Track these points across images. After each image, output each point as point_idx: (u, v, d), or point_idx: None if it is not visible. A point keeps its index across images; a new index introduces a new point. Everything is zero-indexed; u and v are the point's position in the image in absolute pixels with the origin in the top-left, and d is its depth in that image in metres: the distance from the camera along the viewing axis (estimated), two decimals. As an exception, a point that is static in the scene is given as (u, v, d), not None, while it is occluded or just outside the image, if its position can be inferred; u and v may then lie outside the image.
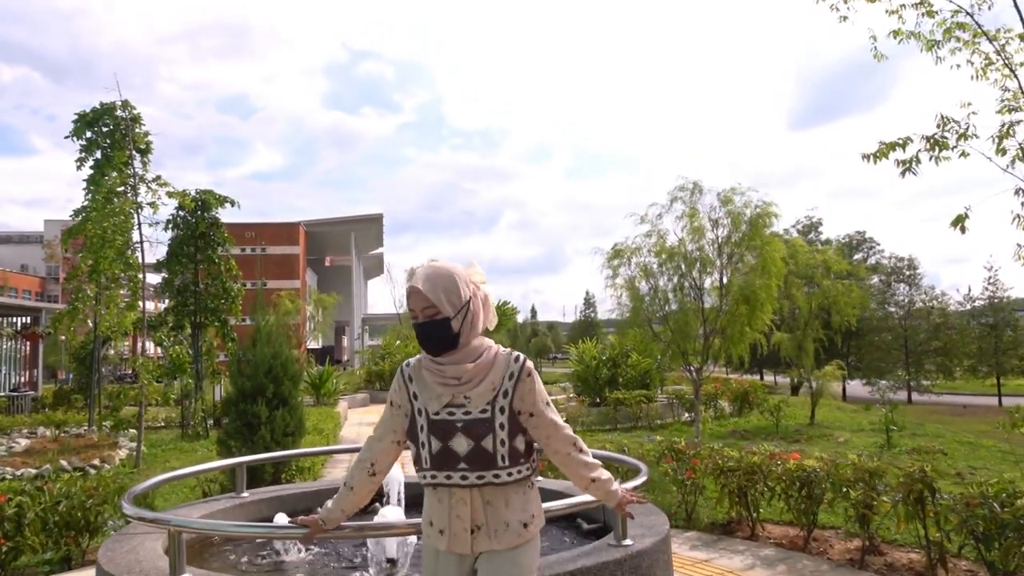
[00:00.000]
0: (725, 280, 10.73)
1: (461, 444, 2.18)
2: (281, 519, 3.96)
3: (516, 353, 2.31)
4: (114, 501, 5.85)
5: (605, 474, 2.39)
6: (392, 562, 3.54)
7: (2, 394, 18.92)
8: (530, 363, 2.29)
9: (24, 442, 12.36)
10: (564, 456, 2.32)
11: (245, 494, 4.81)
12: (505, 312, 23.45)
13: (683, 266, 10.85)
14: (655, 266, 10.99)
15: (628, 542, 3.39)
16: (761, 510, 6.47)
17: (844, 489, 5.54)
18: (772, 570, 5.36)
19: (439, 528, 2.25)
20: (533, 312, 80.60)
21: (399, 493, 4.59)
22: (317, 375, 19.72)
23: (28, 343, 21.01)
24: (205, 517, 4.35)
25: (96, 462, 10.34)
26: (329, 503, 2.55)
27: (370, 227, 53.68)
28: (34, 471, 9.76)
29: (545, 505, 2.66)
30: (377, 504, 5.17)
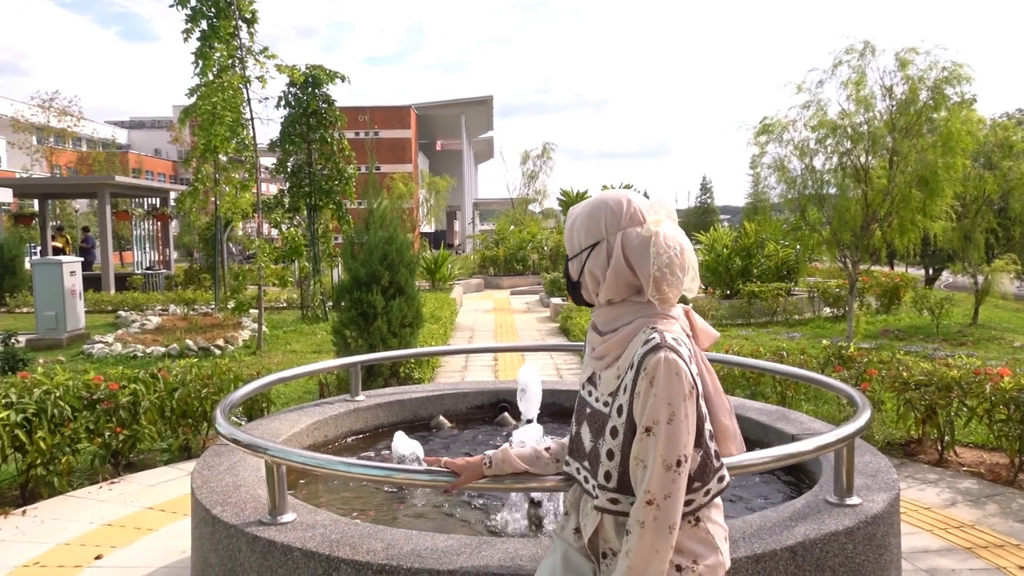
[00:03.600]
0: (896, 159, 9.15)
1: (585, 435, 1.64)
2: (401, 439, 3.34)
3: (653, 335, 1.50)
4: (229, 390, 5.54)
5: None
6: (536, 504, 2.85)
7: (138, 272, 19.80)
8: (664, 355, 1.45)
9: (156, 319, 12.71)
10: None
11: (360, 397, 4.25)
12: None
13: (846, 142, 9.32)
14: (812, 142, 9.50)
15: (854, 500, 2.52)
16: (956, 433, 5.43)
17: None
18: (981, 510, 4.39)
19: (574, 525, 1.71)
20: (646, 196, 78.08)
21: (534, 404, 3.87)
22: (432, 259, 19.44)
23: (159, 223, 21.77)
24: (316, 427, 3.81)
25: (220, 342, 10.38)
26: (506, 448, 1.93)
27: (480, 110, 52.46)
28: (162, 349, 9.89)
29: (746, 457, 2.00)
30: (506, 414, 4.52)
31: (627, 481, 1.52)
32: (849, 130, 9.38)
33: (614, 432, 1.53)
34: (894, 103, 9.26)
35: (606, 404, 1.57)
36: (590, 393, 1.64)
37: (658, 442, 1.44)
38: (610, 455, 1.54)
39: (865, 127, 9.32)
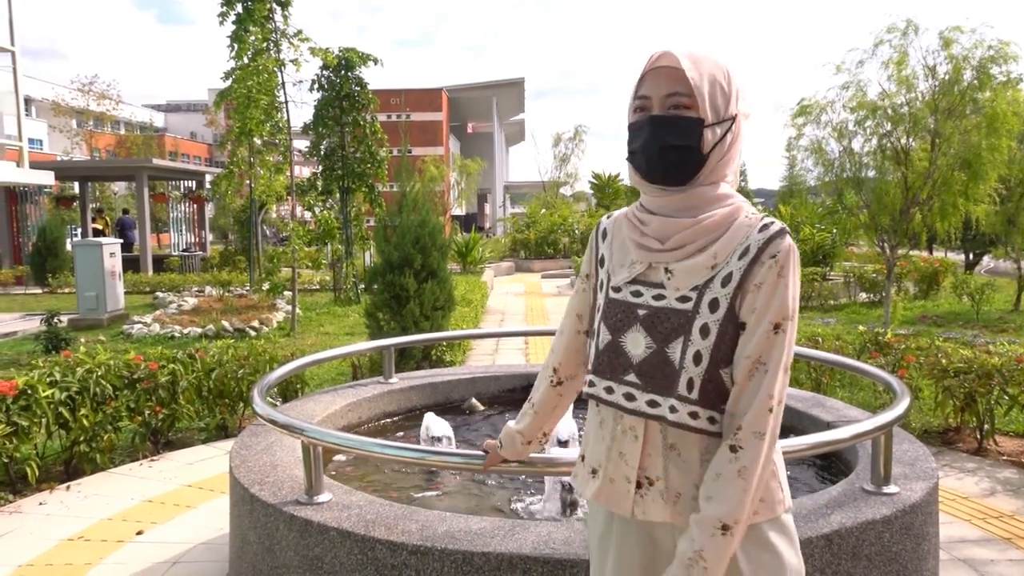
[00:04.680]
0: (938, 141, 8.92)
1: (637, 342, 1.37)
2: (432, 420, 3.37)
3: (770, 219, 1.35)
4: (265, 371, 5.63)
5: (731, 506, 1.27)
6: (568, 489, 2.85)
7: (175, 254, 20.16)
8: (789, 242, 1.31)
9: (192, 301, 12.94)
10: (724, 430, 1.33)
11: (394, 380, 4.29)
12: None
13: (886, 124, 9.10)
14: (850, 124, 9.29)
15: (892, 488, 2.49)
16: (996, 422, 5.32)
17: None
18: (1021, 500, 4.30)
19: (591, 466, 1.48)
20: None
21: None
22: (463, 243, 19.49)
23: (195, 205, 22.11)
24: (350, 408, 3.85)
25: (255, 324, 10.54)
26: (510, 424, 1.82)
27: (511, 92, 52.20)
28: (199, 330, 10.08)
29: (783, 443, 1.81)
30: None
31: (711, 390, 1.32)
32: (890, 111, 9.16)
33: (704, 331, 1.31)
34: (937, 83, 9.01)
35: (684, 300, 1.34)
36: (641, 293, 1.40)
37: (785, 340, 1.29)
38: (697, 359, 1.31)
39: (906, 108, 9.09)
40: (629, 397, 1.39)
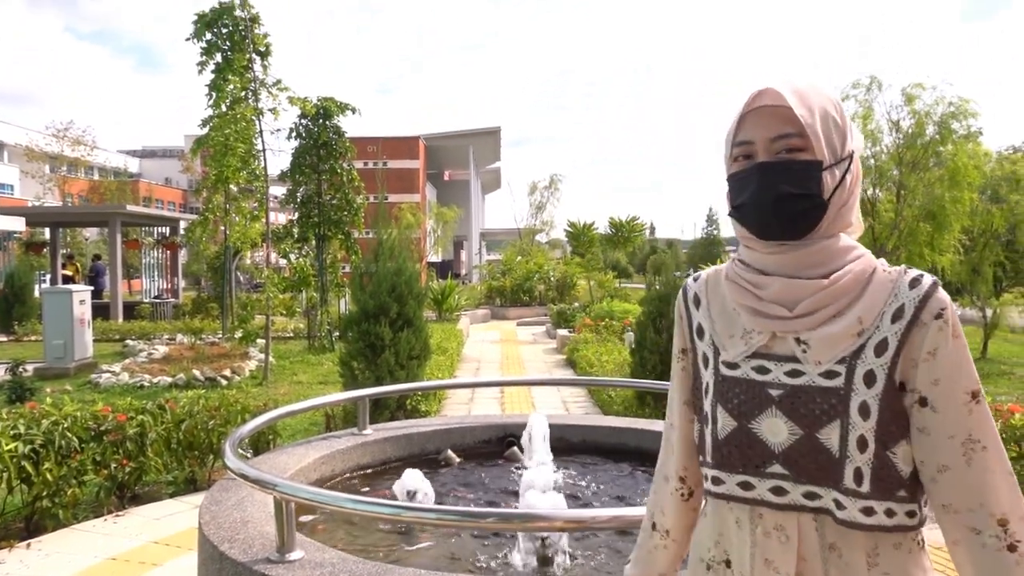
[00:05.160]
0: (903, 192, 9.18)
1: (776, 429, 1.15)
2: (408, 475, 3.33)
3: (915, 271, 1.17)
4: (236, 422, 5.53)
5: None
6: (544, 543, 2.81)
7: (146, 301, 19.90)
8: (946, 295, 1.13)
9: (163, 349, 12.72)
10: (961, 531, 1.10)
11: (368, 431, 4.24)
12: (634, 228, 22.17)
13: (853, 176, 9.37)
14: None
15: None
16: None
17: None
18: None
19: (739, 571, 1.21)
20: (652, 229, 78.59)
21: (542, 440, 3.85)
22: (439, 290, 19.48)
23: (168, 252, 21.91)
24: (324, 461, 3.79)
25: (227, 372, 10.39)
26: (629, 569, 1.46)
27: (488, 140, 52.98)
28: (169, 379, 9.90)
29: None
30: (515, 449, 4.50)
31: (884, 478, 1.10)
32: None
33: (864, 411, 1.10)
34: (901, 137, 9.33)
35: (831, 375, 1.13)
36: (768, 370, 1.18)
37: (987, 408, 1.11)
38: (862, 444, 1.10)
39: (872, 160, 9.37)
40: (778, 491, 1.15)
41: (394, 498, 3.41)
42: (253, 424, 3.29)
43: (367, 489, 3.89)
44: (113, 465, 4.89)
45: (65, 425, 4.74)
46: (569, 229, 30.61)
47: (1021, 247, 13.53)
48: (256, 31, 10.56)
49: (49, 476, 4.47)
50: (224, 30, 10.44)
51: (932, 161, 9.37)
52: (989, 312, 13.76)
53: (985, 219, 13.48)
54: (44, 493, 4.49)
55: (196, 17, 10.35)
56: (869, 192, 9.44)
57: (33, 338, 14.82)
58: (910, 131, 9.12)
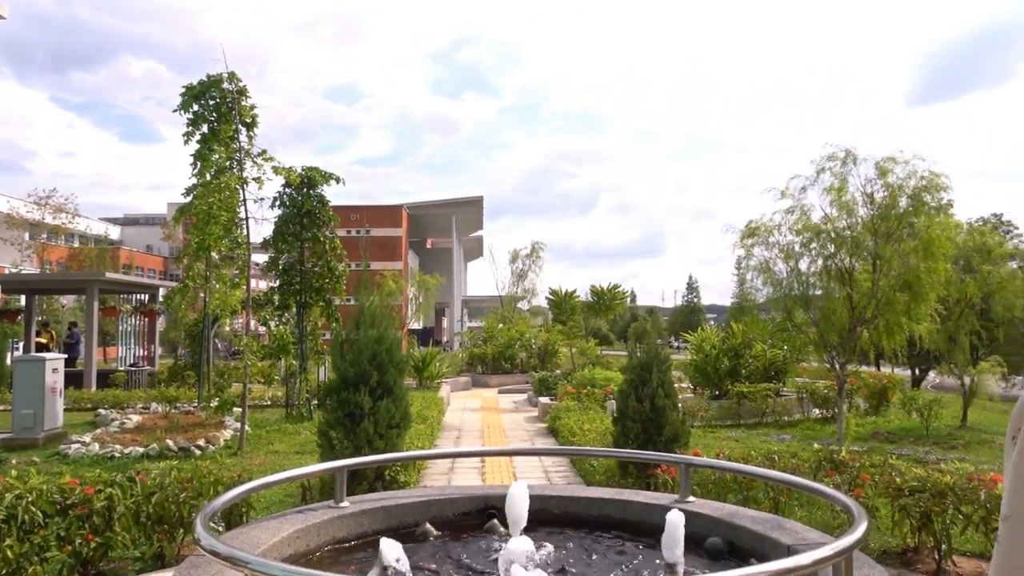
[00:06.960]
0: (879, 263, 9.34)
1: None
2: (389, 546, 3.22)
3: None
4: (209, 494, 5.37)
5: None
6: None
7: (121, 369, 19.54)
8: None
9: (136, 418, 12.43)
10: None
11: (345, 503, 4.12)
12: (616, 296, 22.34)
13: (830, 246, 9.54)
14: (796, 246, 9.73)
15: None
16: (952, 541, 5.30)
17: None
18: (987, 625, 4.23)
19: None
20: (633, 296, 79.12)
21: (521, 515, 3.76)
22: (420, 357, 19.34)
23: (146, 319, 21.66)
24: (299, 535, 3.67)
25: (201, 442, 10.14)
26: None
27: (470, 209, 53.64)
28: (141, 450, 9.64)
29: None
30: (494, 521, 4.38)
31: None
32: (832, 234, 9.63)
33: None
34: (875, 209, 9.55)
35: None
36: None
37: None
38: None
39: (848, 232, 9.57)
40: None
41: None
42: (226, 497, 3.19)
43: (342, 567, 3.75)
44: (78, 540, 4.71)
45: (29, 499, 4.58)
46: (551, 297, 30.74)
47: (995, 316, 13.76)
48: (243, 103, 10.73)
49: (10, 553, 4.29)
50: (211, 102, 10.59)
51: (906, 232, 9.58)
52: (967, 380, 13.88)
53: (960, 288, 13.74)
54: (4, 572, 4.30)
55: (184, 89, 10.51)
56: (846, 262, 9.59)
57: (2, 407, 14.44)
58: (884, 203, 9.35)
